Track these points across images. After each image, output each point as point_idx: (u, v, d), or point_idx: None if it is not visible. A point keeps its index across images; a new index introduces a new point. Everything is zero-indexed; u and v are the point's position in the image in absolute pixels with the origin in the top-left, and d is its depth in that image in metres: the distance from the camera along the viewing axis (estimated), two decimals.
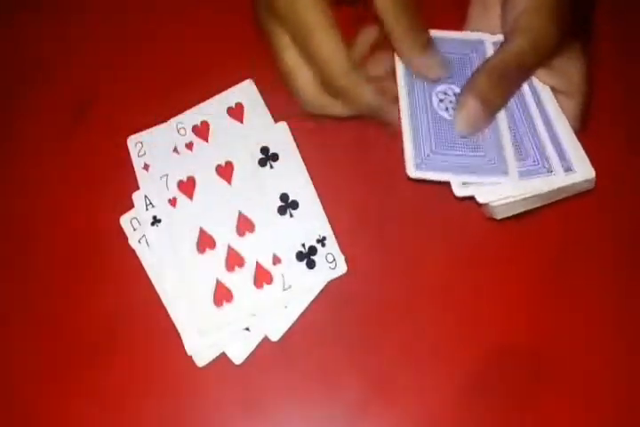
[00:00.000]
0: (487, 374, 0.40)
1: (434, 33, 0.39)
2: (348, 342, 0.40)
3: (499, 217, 0.37)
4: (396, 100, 0.39)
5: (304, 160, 0.42)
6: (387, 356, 0.40)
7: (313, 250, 0.40)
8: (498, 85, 0.36)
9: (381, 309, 0.41)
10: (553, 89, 0.38)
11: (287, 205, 0.41)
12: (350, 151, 0.44)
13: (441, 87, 0.38)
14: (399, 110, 0.37)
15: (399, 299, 0.41)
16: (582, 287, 0.41)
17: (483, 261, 0.42)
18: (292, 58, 0.39)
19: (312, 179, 0.42)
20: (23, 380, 0.40)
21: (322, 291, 0.41)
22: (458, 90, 0.38)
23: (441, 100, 0.38)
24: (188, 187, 0.42)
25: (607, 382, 0.40)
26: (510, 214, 0.37)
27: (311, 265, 0.40)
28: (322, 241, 0.40)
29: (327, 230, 0.41)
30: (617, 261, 0.42)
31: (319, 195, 0.41)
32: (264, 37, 0.40)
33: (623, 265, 0.42)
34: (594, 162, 0.36)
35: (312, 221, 0.41)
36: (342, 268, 0.40)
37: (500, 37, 0.38)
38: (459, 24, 0.40)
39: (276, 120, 0.43)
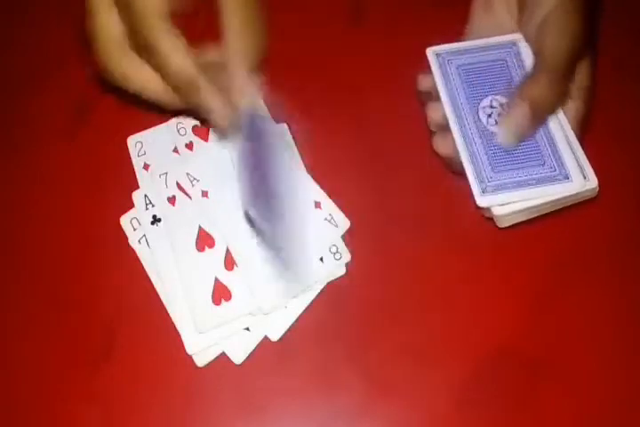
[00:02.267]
0: (487, 374, 0.39)
1: (465, 44, 0.39)
2: (347, 343, 0.40)
3: (501, 226, 0.37)
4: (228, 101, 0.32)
5: (303, 161, 0.43)
6: (386, 356, 0.40)
7: None
8: (553, 88, 0.35)
9: (381, 309, 0.41)
10: None
11: None
12: (350, 152, 0.44)
13: (485, 101, 0.38)
14: (454, 143, 0.37)
15: (398, 299, 0.41)
16: (582, 288, 0.41)
17: (483, 261, 0.42)
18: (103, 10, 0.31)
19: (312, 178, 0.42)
20: (23, 380, 0.40)
21: (321, 291, 0.41)
22: (502, 99, 0.37)
23: (489, 115, 0.37)
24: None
25: (606, 383, 0.39)
26: (513, 223, 0.37)
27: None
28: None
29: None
30: (616, 263, 0.42)
31: None
32: None
33: (622, 267, 0.42)
34: (596, 169, 0.36)
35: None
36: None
37: None
38: (462, 21, 0.40)
39: (275, 121, 0.44)
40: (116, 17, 0.31)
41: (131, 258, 0.41)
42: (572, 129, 0.37)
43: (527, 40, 0.38)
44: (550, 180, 0.36)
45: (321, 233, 0.41)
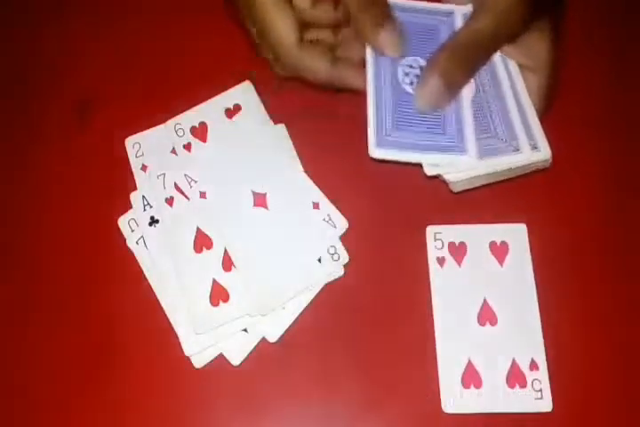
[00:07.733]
0: None
1: (402, 1, 0.38)
2: (346, 343, 0.40)
3: (456, 191, 0.37)
4: (359, 64, 0.38)
5: (302, 161, 0.43)
6: (386, 356, 0.40)
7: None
8: (460, 64, 0.35)
9: (379, 310, 0.41)
10: (519, 65, 0.38)
11: None
12: (349, 153, 0.44)
13: (407, 59, 0.37)
14: (366, 86, 0.37)
15: (397, 300, 0.41)
16: (580, 288, 0.41)
17: None
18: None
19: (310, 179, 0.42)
20: (22, 381, 0.40)
21: (320, 292, 0.41)
22: (423, 62, 0.37)
23: (406, 74, 0.37)
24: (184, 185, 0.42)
25: (606, 383, 0.39)
26: (467, 188, 0.37)
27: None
28: None
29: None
30: (613, 259, 0.42)
31: None
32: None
33: (624, 267, 0.42)
34: (552, 141, 0.36)
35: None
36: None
37: (469, 9, 0.38)
38: None
39: (274, 122, 0.44)
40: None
41: (129, 259, 0.41)
42: (534, 102, 0.37)
43: None
44: (447, 149, 0.35)
45: (319, 234, 0.41)
